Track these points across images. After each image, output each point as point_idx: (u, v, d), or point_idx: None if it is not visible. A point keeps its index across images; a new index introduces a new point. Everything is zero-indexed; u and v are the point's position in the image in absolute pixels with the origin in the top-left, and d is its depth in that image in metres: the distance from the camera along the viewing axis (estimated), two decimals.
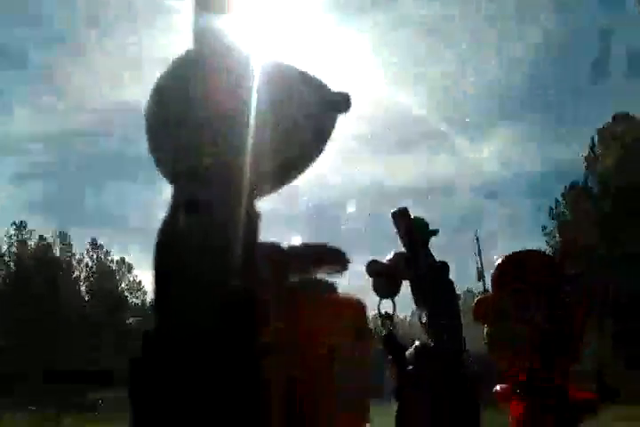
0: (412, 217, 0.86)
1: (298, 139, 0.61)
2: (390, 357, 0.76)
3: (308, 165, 0.65)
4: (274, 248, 0.58)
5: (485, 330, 0.97)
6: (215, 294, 0.52)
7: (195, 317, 0.52)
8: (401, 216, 0.85)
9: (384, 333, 0.78)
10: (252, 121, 0.59)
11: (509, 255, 0.96)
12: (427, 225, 0.86)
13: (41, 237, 23.85)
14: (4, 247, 23.54)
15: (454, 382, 0.77)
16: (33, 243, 24.00)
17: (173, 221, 0.56)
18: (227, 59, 0.60)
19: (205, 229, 0.54)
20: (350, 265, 0.63)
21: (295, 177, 0.65)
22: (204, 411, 0.50)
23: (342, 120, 0.66)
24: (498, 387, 0.95)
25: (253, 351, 0.53)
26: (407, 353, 0.80)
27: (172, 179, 0.61)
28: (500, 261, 0.97)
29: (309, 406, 0.53)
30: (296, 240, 0.60)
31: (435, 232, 0.87)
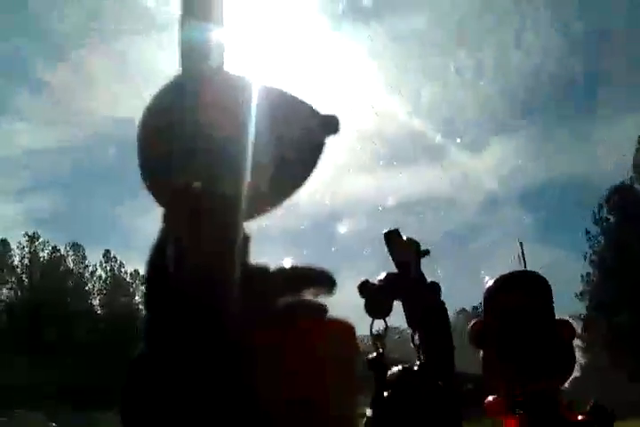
0: (404, 238, 0.86)
1: (289, 161, 0.62)
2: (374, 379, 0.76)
3: (300, 187, 0.66)
4: (261, 271, 0.59)
5: (481, 353, 0.97)
6: (207, 319, 0.52)
7: (186, 344, 0.52)
8: (392, 237, 0.85)
9: (372, 354, 0.78)
10: (244, 143, 0.60)
11: (498, 277, 0.97)
12: (418, 246, 0.87)
13: (54, 248, 23.38)
14: (17, 259, 23.06)
15: (432, 408, 0.77)
16: (46, 254, 23.52)
17: (164, 245, 0.57)
18: (218, 80, 0.61)
19: (197, 253, 0.54)
20: (339, 287, 0.64)
21: (286, 199, 0.66)
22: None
23: (333, 140, 0.67)
24: (490, 398, 0.95)
25: (245, 380, 0.53)
26: (389, 374, 0.79)
27: (163, 202, 0.61)
28: (489, 283, 0.97)
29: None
30: (285, 262, 0.60)
31: (426, 253, 0.87)
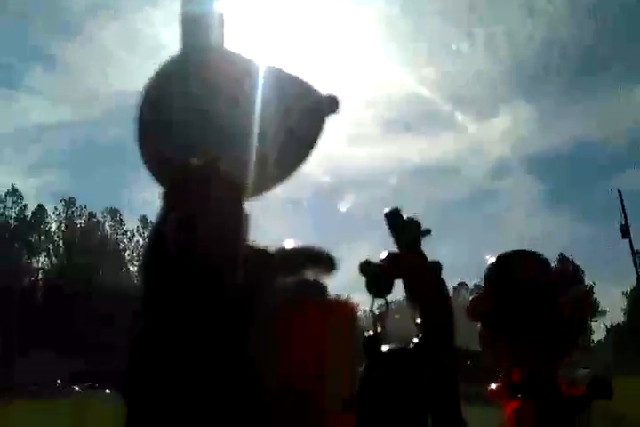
0: (405, 217, 0.86)
1: (290, 140, 0.62)
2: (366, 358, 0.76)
3: (300, 166, 0.65)
4: (262, 251, 0.59)
5: (479, 329, 0.97)
6: (209, 297, 0.53)
7: (188, 321, 0.53)
8: (393, 216, 0.85)
9: (369, 333, 0.78)
10: (245, 120, 0.59)
11: (501, 255, 0.97)
12: (419, 225, 0.86)
13: (90, 213, 22.73)
14: (53, 226, 22.37)
15: (426, 385, 0.77)
16: (83, 220, 22.87)
17: (163, 225, 0.57)
18: (219, 58, 0.61)
19: (197, 230, 0.54)
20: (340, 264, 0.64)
21: (288, 176, 0.66)
22: (196, 413, 0.50)
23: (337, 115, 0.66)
24: (493, 385, 0.96)
25: (247, 358, 0.53)
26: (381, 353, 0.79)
27: (162, 180, 0.61)
28: (491, 260, 0.97)
29: (302, 408, 0.53)
30: (286, 243, 0.61)
31: (427, 232, 0.87)
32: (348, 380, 0.59)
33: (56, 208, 21.76)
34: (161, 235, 0.56)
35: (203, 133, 0.57)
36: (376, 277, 0.80)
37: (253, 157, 0.59)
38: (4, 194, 20.85)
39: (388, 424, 0.74)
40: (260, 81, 0.61)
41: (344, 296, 0.62)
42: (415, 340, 0.81)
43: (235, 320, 0.52)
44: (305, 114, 0.62)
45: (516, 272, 0.94)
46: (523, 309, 0.93)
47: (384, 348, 0.79)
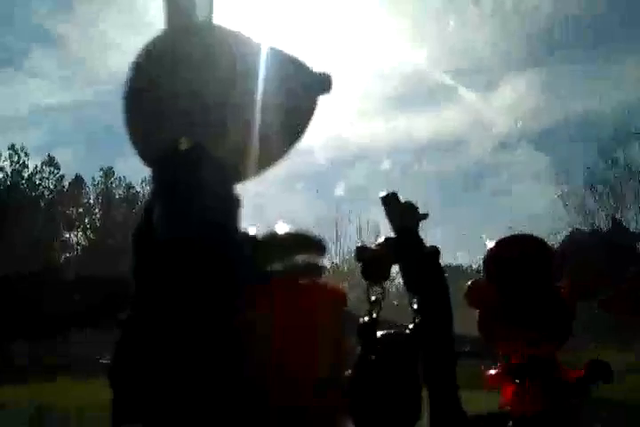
0: (402, 201, 0.84)
1: (282, 120, 0.60)
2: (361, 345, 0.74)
3: (294, 145, 0.64)
4: (252, 236, 0.57)
5: (478, 314, 0.96)
6: (198, 282, 0.51)
7: (175, 307, 0.51)
8: (390, 200, 0.83)
9: (364, 319, 0.76)
10: (236, 101, 0.57)
11: (500, 240, 0.95)
12: (416, 209, 0.85)
13: (128, 185, 22.18)
14: (92, 196, 21.52)
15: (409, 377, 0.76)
16: (121, 191, 22.32)
17: (155, 203, 0.55)
18: (207, 35, 0.59)
19: (188, 212, 0.53)
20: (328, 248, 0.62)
21: (281, 158, 0.64)
22: (184, 392, 0.49)
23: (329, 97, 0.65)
24: (492, 371, 0.95)
25: (234, 339, 0.52)
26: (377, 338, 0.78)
27: (150, 160, 0.59)
28: (490, 245, 0.96)
29: (287, 393, 0.52)
30: (277, 227, 0.59)
31: (424, 216, 0.85)
32: (333, 366, 0.57)
33: (94, 178, 20.71)
34: (150, 220, 0.54)
35: (192, 115, 0.55)
36: (372, 262, 0.79)
37: (246, 138, 0.58)
38: (40, 163, 19.80)
39: (385, 409, 0.73)
40: (251, 58, 0.59)
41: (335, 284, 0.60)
42: (411, 326, 0.80)
43: (225, 306, 0.51)
44: (297, 92, 0.60)
45: (515, 257, 0.93)
46: (522, 294, 0.92)
47: (379, 333, 0.78)
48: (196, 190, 0.54)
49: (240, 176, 0.59)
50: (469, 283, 0.98)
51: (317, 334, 0.54)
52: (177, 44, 0.57)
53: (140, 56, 0.59)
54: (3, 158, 18.66)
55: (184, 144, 0.57)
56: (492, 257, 0.95)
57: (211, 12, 0.59)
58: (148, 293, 0.54)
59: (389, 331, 0.79)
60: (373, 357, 0.74)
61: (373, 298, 0.78)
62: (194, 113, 0.55)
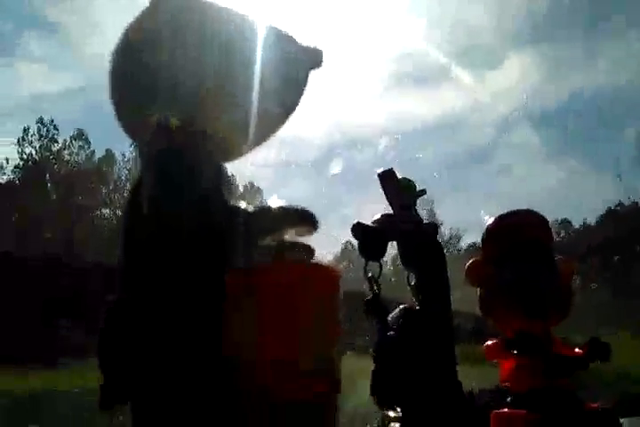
0: (399, 178, 0.84)
1: (274, 94, 0.59)
2: (374, 320, 0.75)
3: (286, 120, 0.63)
4: (244, 211, 0.57)
5: (479, 292, 0.96)
6: (189, 262, 0.51)
7: (165, 289, 0.51)
8: (387, 177, 0.83)
9: (369, 296, 0.77)
10: (228, 75, 0.57)
11: (498, 216, 0.95)
12: (414, 186, 0.84)
13: None
14: (123, 172, 20.84)
15: (437, 345, 0.77)
16: None
17: (145, 180, 0.55)
18: (197, 9, 0.58)
19: (177, 188, 0.52)
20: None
21: (274, 133, 0.64)
22: (171, 377, 0.49)
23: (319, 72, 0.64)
24: (489, 342, 0.95)
25: (225, 323, 0.52)
26: (390, 316, 0.79)
27: (140, 139, 0.59)
28: (489, 222, 0.95)
29: (279, 377, 0.52)
30: (269, 202, 0.58)
31: (422, 193, 0.85)
32: (329, 348, 0.57)
33: (124, 155, 20.01)
34: (139, 197, 0.53)
35: (183, 89, 0.55)
36: (369, 239, 0.79)
37: (235, 115, 0.57)
38: (69, 138, 18.98)
39: (410, 380, 0.73)
40: (243, 33, 0.58)
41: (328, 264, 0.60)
42: (416, 302, 0.80)
43: (214, 288, 0.51)
44: (289, 66, 0.59)
45: (515, 234, 0.92)
46: (521, 271, 0.92)
47: (396, 310, 0.78)
48: (186, 165, 0.53)
49: (234, 150, 0.58)
50: (469, 261, 0.97)
51: (308, 316, 0.53)
52: (167, 18, 0.56)
53: (128, 30, 0.58)
54: (31, 132, 18.25)
55: (174, 120, 0.56)
56: (490, 232, 0.95)
57: None
58: (137, 271, 0.53)
59: (405, 306, 0.80)
60: (391, 333, 0.75)
61: (370, 274, 0.78)
62: (185, 87, 0.55)
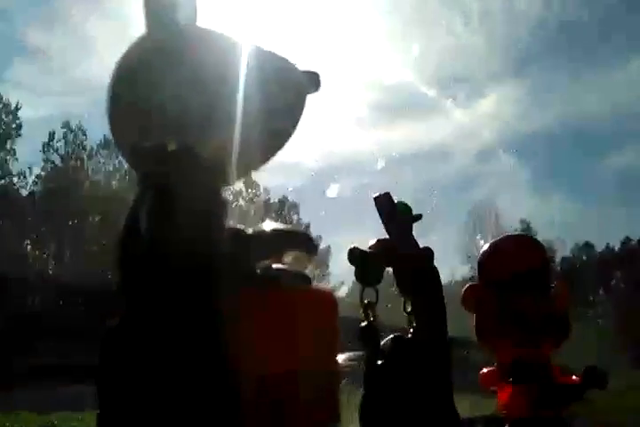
0: (396, 202, 0.83)
1: (270, 120, 0.59)
2: (365, 349, 0.74)
3: (281, 147, 0.63)
4: (241, 234, 0.56)
5: (475, 318, 0.95)
6: (185, 283, 0.50)
7: (164, 312, 0.50)
8: (383, 201, 0.82)
9: (363, 323, 0.76)
10: (222, 103, 0.56)
11: (494, 243, 0.95)
12: (410, 210, 0.84)
13: None
14: None
15: (428, 375, 0.76)
16: None
17: (141, 206, 0.54)
18: (190, 36, 0.58)
19: (174, 216, 0.52)
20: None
21: (268, 159, 0.63)
22: (170, 400, 0.48)
23: (314, 98, 0.64)
24: (484, 370, 0.94)
25: (221, 348, 0.51)
26: (382, 344, 0.78)
27: (135, 164, 0.59)
28: (484, 248, 0.95)
29: (276, 402, 0.51)
30: (265, 225, 0.58)
31: (418, 217, 0.84)
32: (327, 373, 0.56)
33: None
34: (136, 222, 0.53)
35: (177, 118, 0.54)
36: (365, 264, 0.78)
37: (233, 141, 0.56)
38: (95, 146, 17.79)
39: (399, 411, 0.72)
40: (239, 59, 0.58)
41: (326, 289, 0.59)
42: (411, 330, 0.79)
43: (213, 311, 0.50)
44: (285, 92, 0.59)
45: (509, 261, 0.92)
46: (516, 298, 0.91)
47: (387, 338, 0.77)
48: (184, 190, 0.53)
49: (228, 177, 0.58)
50: (465, 286, 0.97)
51: (305, 344, 0.52)
52: (159, 46, 0.56)
53: (120, 60, 0.58)
54: (57, 137, 16.78)
55: (171, 145, 0.56)
56: (485, 257, 0.95)
57: (194, 13, 0.58)
58: (135, 298, 0.52)
59: (394, 335, 0.78)
60: (380, 361, 0.73)
61: (366, 301, 0.77)
62: (179, 116, 0.54)
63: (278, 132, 0.62)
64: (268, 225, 0.56)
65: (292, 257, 0.57)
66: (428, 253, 0.83)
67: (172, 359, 0.49)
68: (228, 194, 0.58)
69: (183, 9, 0.56)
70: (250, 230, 0.55)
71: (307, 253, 0.57)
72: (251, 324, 0.51)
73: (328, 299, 0.57)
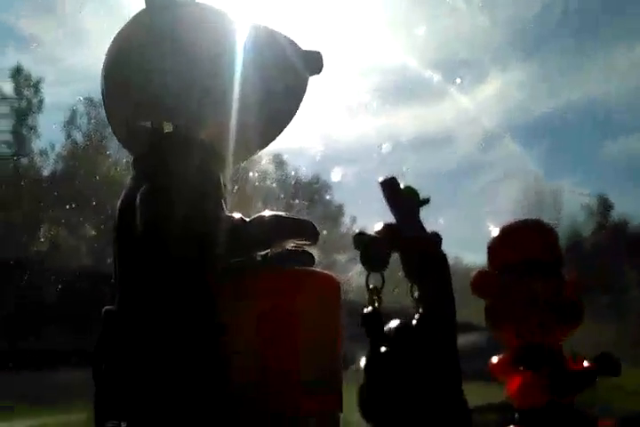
0: (402, 186, 0.82)
1: (269, 102, 0.58)
2: (368, 335, 0.73)
3: (282, 131, 0.62)
4: (241, 221, 0.55)
5: (485, 304, 0.94)
6: (183, 269, 0.49)
7: (161, 299, 0.50)
8: (389, 185, 0.81)
9: (367, 309, 0.74)
10: (223, 81, 0.55)
11: (505, 227, 0.93)
12: (417, 194, 0.82)
13: None
14: None
15: (435, 362, 0.74)
16: None
17: (135, 191, 0.53)
18: (189, 12, 0.56)
19: (168, 201, 0.51)
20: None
21: (267, 143, 0.62)
22: (167, 389, 0.48)
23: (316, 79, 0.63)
24: (494, 358, 0.93)
25: (217, 335, 0.50)
26: (386, 329, 0.76)
27: (129, 146, 0.58)
28: (495, 232, 0.93)
29: (276, 389, 0.50)
30: (265, 213, 0.56)
31: (426, 201, 0.83)
32: (329, 360, 0.54)
33: None
34: (132, 206, 0.52)
35: (172, 99, 0.53)
36: (371, 249, 0.77)
37: (230, 123, 0.55)
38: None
39: (403, 400, 0.71)
40: (238, 38, 0.56)
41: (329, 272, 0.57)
42: (417, 316, 0.78)
43: (208, 297, 0.49)
44: (286, 72, 0.57)
45: (520, 245, 0.90)
46: (529, 283, 0.89)
47: (392, 323, 0.76)
48: (181, 172, 0.51)
49: (225, 161, 0.56)
50: (475, 272, 0.95)
51: (306, 328, 0.51)
52: (154, 25, 0.54)
53: (115, 39, 0.57)
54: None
55: (167, 127, 0.54)
56: (496, 242, 0.93)
57: None
58: (132, 282, 0.52)
59: (399, 322, 0.77)
60: (384, 349, 0.72)
61: (371, 286, 0.76)
62: (174, 97, 0.53)
63: (278, 114, 0.60)
64: (269, 213, 0.55)
65: (293, 243, 0.56)
66: (436, 238, 0.81)
67: (170, 345, 0.48)
68: (231, 178, 0.57)
69: None
70: (252, 218, 0.54)
71: (309, 241, 0.56)
72: (248, 310, 0.50)
73: (330, 281, 0.56)
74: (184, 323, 0.48)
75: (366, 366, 0.70)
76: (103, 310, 0.51)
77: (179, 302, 0.48)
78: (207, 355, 0.48)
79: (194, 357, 0.47)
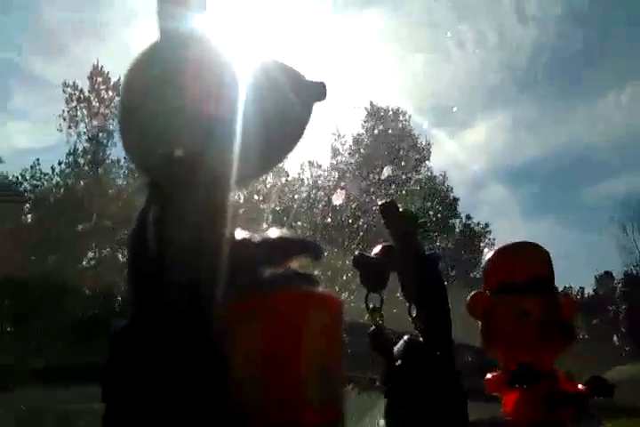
0: (401, 209, 0.84)
1: (276, 129, 0.60)
2: (378, 352, 0.75)
3: (286, 157, 0.64)
4: (246, 240, 0.57)
5: (480, 325, 0.96)
6: (192, 293, 0.51)
7: (168, 318, 0.51)
8: (388, 208, 0.83)
9: (371, 329, 0.76)
10: (231, 110, 0.58)
11: (500, 249, 0.95)
12: (415, 217, 0.85)
13: None
14: None
15: (443, 377, 0.76)
16: None
17: (148, 217, 0.55)
18: (199, 45, 0.59)
19: (182, 226, 0.53)
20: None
21: (273, 166, 0.64)
22: (174, 410, 0.49)
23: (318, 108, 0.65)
24: (489, 375, 0.94)
25: (223, 355, 0.52)
26: (395, 348, 0.78)
27: (146, 172, 0.60)
28: (490, 255, 0.95)
29: (278, 413, 0.51)
30: (270, 232, 0.59)
31: (423, 225, 0.85)
32: (333, 380, 0.56)
33: None
34: (144, 228, 0.54)
35: (185, 127, 0.56)
36: (370, 270, 0.79)
37: (238, 149, 0.57)
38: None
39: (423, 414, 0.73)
40: (245, 69, 0.59)
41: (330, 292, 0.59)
42: (410, 336, 0.80)
43: (214, 317, 0.51)
44: (291, 101, 0.60)
45: (515, 269, 0.93)
46: (524, 303, 0.92)
47: (400, 342, 0.77)
48: (191, 196, 0.54)
49: (237, 181, 0.59)
50: (471, 293, 0.97)
51: (307, 347, 0.53)
52: (166, 56, 0.57)
53: (130, 68, 0.59)
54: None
55: (178, 152, 0.57)
56: (491, 265, 0.95)
57: (204, 22, 0.59)
58: (142, 301, 0.54)
59: (409, 337, 0.79)
60: (399, 362, 0.74)
61: (371, 306, 0.78)
62: (187, 126, 0.56)
63: (283, 142, 0.62)
64: (274, 232, 0.57)
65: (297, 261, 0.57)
66: (433, 258, 0.84)
67: (178, 364, 0.50)
68: (235, 201, 0.59)
69: (194, 18, 0.58)
70: (256, 237, 0.56)
71: (312, 260, 0.58)
72: (251, 329, 0.52)
73: (332, 301, 0.58)
74: (188, 346, 0.49)
75: (385, 380, 0.72)
76: (111, 329, 0.53)
77: (184, 326, 0.50)
78: (211, 375, 0.49)
79: (198, 375, 0.49)
